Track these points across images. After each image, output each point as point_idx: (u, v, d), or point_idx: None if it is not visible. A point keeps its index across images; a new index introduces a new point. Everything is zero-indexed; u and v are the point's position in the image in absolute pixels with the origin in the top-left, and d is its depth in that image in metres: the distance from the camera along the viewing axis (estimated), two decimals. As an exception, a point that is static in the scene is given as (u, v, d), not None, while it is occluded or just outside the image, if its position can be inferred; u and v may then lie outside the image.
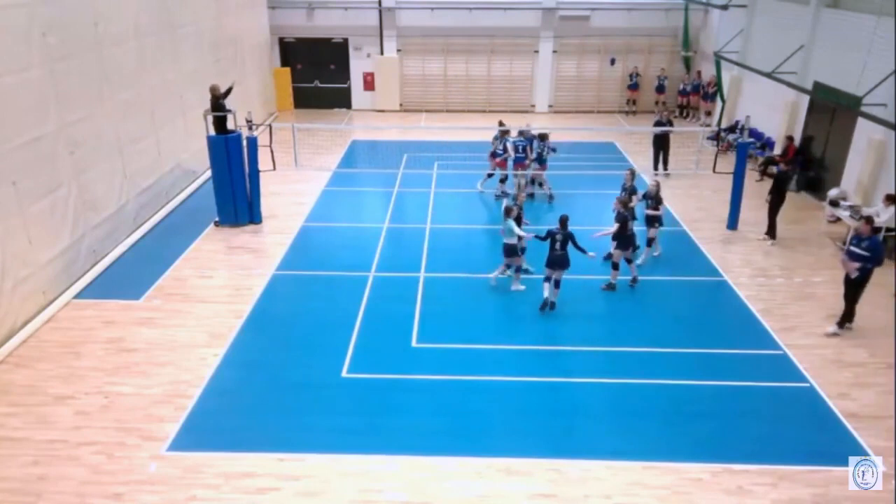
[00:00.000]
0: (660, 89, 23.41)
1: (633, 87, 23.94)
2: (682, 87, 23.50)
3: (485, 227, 14.23)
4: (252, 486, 7.29)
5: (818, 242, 13.63)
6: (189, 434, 8.06)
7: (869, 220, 10.01)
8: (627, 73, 23.88)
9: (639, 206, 12.30)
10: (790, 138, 16.51)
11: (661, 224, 12.35)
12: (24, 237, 10.04)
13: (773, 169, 14.49)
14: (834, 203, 13.91)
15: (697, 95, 23.00)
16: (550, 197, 15.65)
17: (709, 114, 22.52)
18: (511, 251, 11.11)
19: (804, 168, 16.56)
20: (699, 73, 23.40)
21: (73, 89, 11.23)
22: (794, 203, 15.66)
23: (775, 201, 13.49)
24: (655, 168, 17.44)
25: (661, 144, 17.40)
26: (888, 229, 12.67)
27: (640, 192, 12.73)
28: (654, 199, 12.09)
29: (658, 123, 17.57)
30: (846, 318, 10.26)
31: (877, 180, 13.62)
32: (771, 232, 13.61)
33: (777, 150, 17.62)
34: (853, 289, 10.07)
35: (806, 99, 16.78)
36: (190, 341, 9.94)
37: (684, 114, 23.67)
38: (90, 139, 11.78)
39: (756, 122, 18.57)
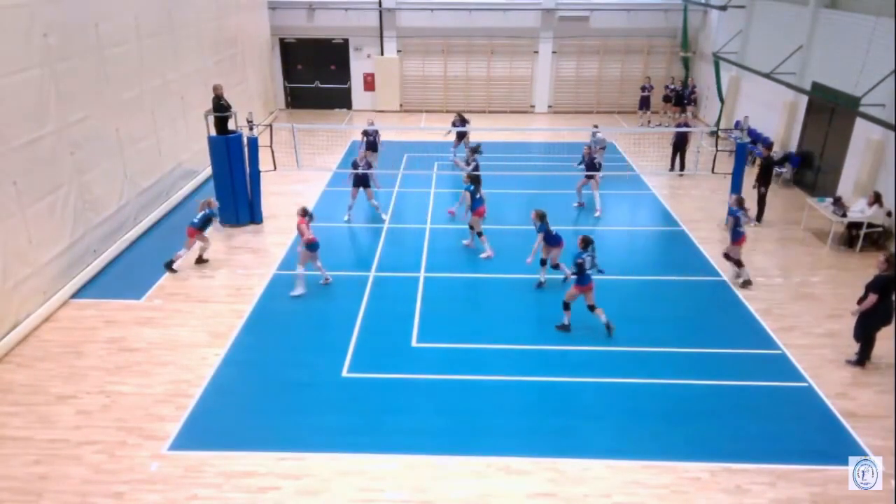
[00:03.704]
0: (666, 99, 23.07)
1: (647, 98, 23.04)
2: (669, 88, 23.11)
3: (484, 227, 14.22)
4: (253, 485, 7.32)
5: (816, 242, 13.66)
6: (190, 433, 8.09)
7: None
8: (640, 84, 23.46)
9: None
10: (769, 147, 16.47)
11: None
12: (24, 237, 10.07)
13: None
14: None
15: (676, 107, 22.75)
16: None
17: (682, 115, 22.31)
18: None
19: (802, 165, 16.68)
20: (692, 80, 23.36)
21: (73, 90, 11.25)
22: (792, 203, 15.74)
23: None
24: (672, 168, 17.70)
25: (679, 146, 17.69)
26: (870, 224, 12.91)
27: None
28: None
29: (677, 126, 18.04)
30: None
31: (875, 180, 13.65)
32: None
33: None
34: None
35: (805, 99, 16.82)
36: (191, 341, 9.97)
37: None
38: (91, 139, 11.81)
39: (755, 123, 18.63)
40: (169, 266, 12.02)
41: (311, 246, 11.14)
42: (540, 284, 11.67)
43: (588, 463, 7.65)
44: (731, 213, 11.78)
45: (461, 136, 17.94)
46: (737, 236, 11.58)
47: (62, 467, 7.52)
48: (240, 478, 7.41)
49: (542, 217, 11.28)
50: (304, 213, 11.26)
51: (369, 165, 14.38)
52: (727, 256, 11.85)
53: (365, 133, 16.13)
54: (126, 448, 7.81)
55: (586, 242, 10.05)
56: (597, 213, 15.02)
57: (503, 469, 7.58)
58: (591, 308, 10.17)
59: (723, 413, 8.51)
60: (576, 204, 15.58)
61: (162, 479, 7.38)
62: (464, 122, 18.14)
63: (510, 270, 12.22)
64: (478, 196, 12.78)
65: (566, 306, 10.26)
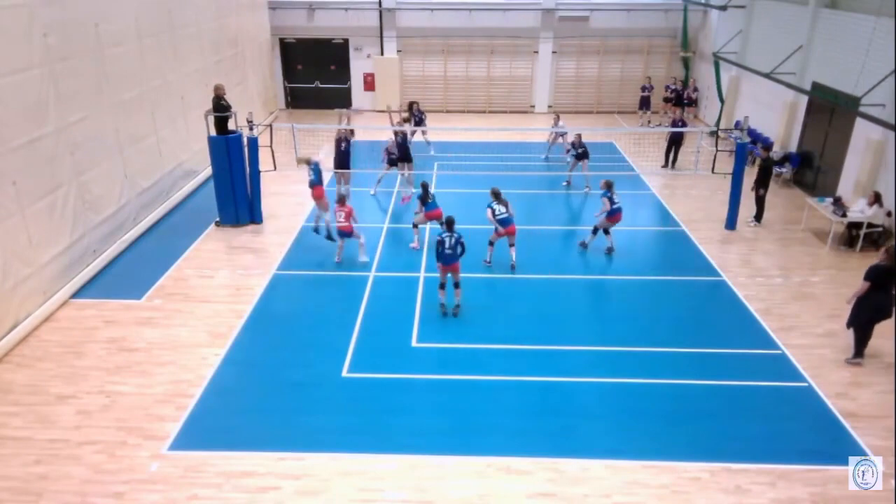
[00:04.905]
0: (667, 100, 22.80)
1: (647, 98, 22.89)
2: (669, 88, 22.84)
3: (484, 226, 14.22)
4: (252, 485, 7.32)
5: (816, 242, 13.65)
6: (190, 433, 8.09)
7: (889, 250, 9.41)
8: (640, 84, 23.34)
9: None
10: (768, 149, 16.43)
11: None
12: (24, 237, 10.07)
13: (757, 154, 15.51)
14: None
15: (676, 108, 22.38)
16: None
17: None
18: None
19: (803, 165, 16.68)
20: (694, 81, 23.23)
21: (73, 89, 11.24)
22: (792, 203, 15.74)
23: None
24: (665, 164, 18.18)
25: (673, 143, 18.03)
26: (870, 224, 12.92)
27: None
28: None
29: (672, 124, 18.43)
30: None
31: (875, 180, 13.65)
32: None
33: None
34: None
35: (805, 99, 16.82)
36: (191, 341, 9.97)
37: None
38: (90, 139, 11.80)
39: (755, 123, 18.61)
40: (324, 234, 13.02)
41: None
42: (487, 263, 12.39)
43: (588, 463, 7.64)
44: (602, 195, 12.76)
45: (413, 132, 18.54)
46: (611, 214, 12.68)
47: (62, 467, 7.52)
48: (240, 478, 7.40)
49: (496, 195, 12.08)
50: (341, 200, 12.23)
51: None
52: (605, 231, 12.94)
53: (386, 151, 16.33)
54: (126, 448, 7.81)
55: (449, 224, 10.60)
56: (586, 190, 16.43)
57: (503, 469, 7.58)
58: (456, 285, 10.68)
59: (723, 413, 8.51)
60: (564, 183, 16.96)
61: (162, 479, 7.38)
62: (422, 114, 19.05)
63: (510, 270, 12.22)
64: (428, 200, 12.79)
65: (441, 286, 10.73)
